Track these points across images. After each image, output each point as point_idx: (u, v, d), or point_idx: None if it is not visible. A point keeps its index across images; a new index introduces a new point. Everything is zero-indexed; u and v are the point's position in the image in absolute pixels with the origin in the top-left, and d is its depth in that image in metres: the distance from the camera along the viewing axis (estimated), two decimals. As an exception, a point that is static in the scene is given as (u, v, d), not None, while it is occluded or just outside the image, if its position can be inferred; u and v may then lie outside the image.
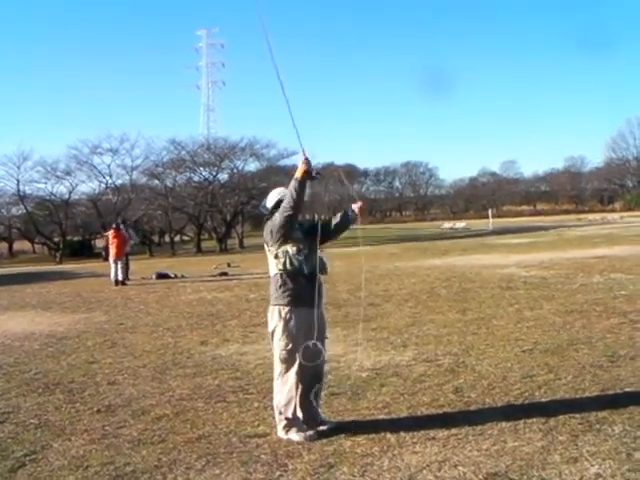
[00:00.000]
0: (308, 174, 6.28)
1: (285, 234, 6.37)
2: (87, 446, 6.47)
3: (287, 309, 6.37)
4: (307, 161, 6.27)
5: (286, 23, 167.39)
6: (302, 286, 6.39)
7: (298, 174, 6.25)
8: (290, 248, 6.41)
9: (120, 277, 23.66)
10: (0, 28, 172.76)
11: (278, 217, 6.35)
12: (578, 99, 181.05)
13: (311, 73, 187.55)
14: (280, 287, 6.42)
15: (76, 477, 5.71)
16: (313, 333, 6.39)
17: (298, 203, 6.27)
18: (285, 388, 6.44)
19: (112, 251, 24.52)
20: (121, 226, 26.34)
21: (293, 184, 6.25)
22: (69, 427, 7.12)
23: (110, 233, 25.59)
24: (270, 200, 6.71)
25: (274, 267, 6.51)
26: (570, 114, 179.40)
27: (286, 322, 6.37)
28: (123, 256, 24.46)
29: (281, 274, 6.43)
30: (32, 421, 7.40)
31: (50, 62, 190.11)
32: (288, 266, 6.39)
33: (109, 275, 24.21)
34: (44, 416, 7.57)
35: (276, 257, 6.46)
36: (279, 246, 6.43)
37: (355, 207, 6.68)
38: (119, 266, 23.84)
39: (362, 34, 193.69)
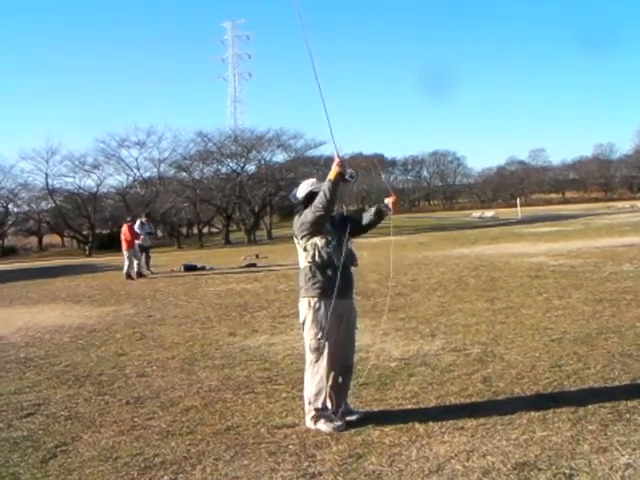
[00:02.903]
0: (342, 176, 6.24)
1: (315, 230, 6.38)
2: (116, 437, 6.52)
3: (316, 299, 6.38)
4: (341, 163, 6.24)
5: (315, 13, 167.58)
6: (331, 278, 6.37)
7: (331, 176, 6.20)
8: (319, 241, 6.41)
9: (124, 270, 23.95)
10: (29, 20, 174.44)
11: (309, 215, 6.33)
12: (607, 86, 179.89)
13: (338, 64, 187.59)
14: (310, 279, 6.42)
15: (106, 468, 5.75)
16: (342, 324, 6.43)
17: (330, 204, 6.23)
18: (316, 378, 6.44)
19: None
20: (140, 220, 26.26)
21: (326, 185, 6.21)
22: (99, 419, 7.17)
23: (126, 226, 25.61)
24: (301, 190, 6.66)
25: (303, 260, 6.52)
26: (599, 101, 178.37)
27: (315, 311, 6.37)
28: (131, 248, 24.45)
29: (310, 266, 6.43)
30: (62, 413, 7.46)
31: (75, 52, 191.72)
32: (317, 258, 6.39)
33: (134, 268, 24.37)
34: (74, 408, 7.63)
35: (305, 250, 6.46)
36: (308, 239, 6.44)
37: (389, 201, 6.64)
38: (125, 258, 24.22)
39: (389, 24, 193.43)
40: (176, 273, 24.76)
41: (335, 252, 6.41)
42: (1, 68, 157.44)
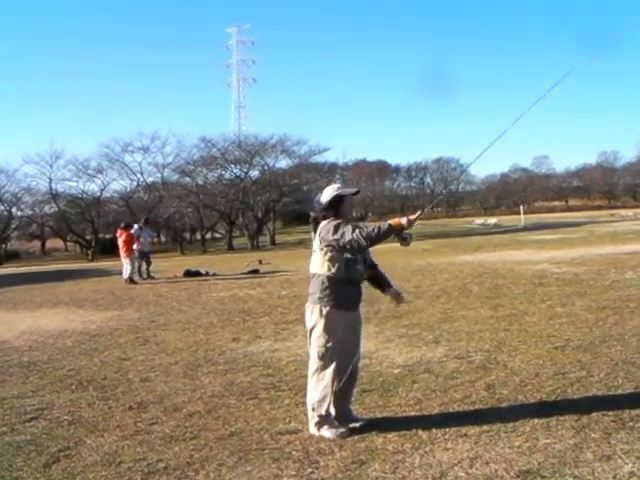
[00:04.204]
0: (401, 229, 6.16)
1: (346, 250, 6.34)
2: (120, 442, 6.52)
3: (329, 309, 6.36)
4: (411, 223, 6.13)
5: (316, 17, 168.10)
6: (349, 291, 6.41)
7: (394, 222, 6.09)
8: (345, 254, 6.36)
9: (126, 275, 23.88)
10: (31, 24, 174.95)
11: (347, 235, 6.16)
12: (611, 93, 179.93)
13: (342, 71, 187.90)
14: (326, 289, 6.37)
15: (109, 473, 5.76)
16: (352, 333, 6.46)
17: (375, 242, 6.15)
18: (321, 385, 6.43)
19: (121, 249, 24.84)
20: (137, 224, 26.27)
21: (385, 226, 6.09)
22: (102, 423, 7.17)
23: (118, 231, 25.60)
24: (325, 195, 6.57)
25: (323, 268, 6.43)
26: (604, 109, 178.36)
27: (327, 320, 6.35)
28: (132, 254, 24.40)
29: (330, 277, 6.38)
30: (65, 417, 7.46)
31: (79, 58, 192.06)
32: (342, 271, 6.36)
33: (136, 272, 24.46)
34: (77, 412, 7.64)
35: (329, 260, 6.40)
36: (333, 249, 6.35)
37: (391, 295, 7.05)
38: (127, 264, 24.14)
39: (390, 30, 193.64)
40: (179, 278, 24.75)
41: (357, 268, 6.43)
42: (1, 69, 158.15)
